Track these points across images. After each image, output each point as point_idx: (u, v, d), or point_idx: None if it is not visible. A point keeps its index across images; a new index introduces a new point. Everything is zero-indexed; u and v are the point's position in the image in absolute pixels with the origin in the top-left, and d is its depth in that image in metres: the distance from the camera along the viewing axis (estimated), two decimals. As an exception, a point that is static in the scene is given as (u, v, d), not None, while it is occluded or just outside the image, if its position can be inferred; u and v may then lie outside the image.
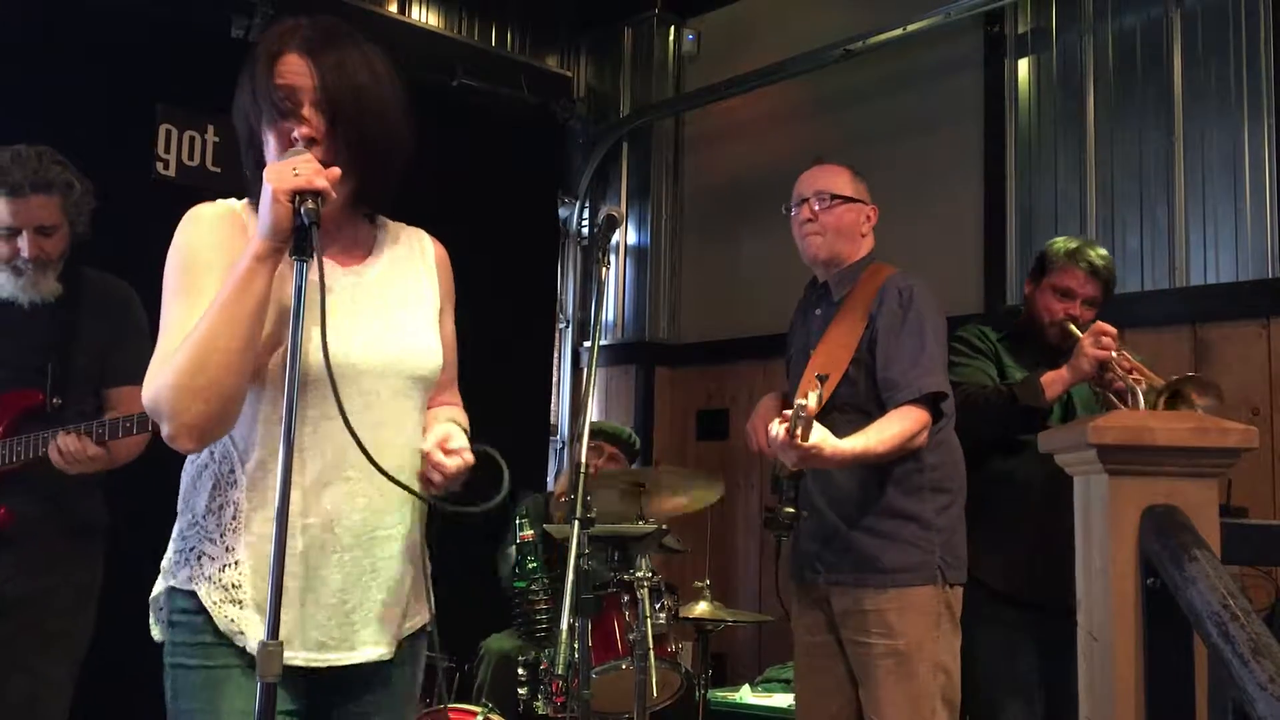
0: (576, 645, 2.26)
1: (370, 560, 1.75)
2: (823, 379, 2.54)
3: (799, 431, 2.45)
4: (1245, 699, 1.12)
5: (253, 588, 1.68)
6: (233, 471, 1.72)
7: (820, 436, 2.51)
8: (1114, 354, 2.97)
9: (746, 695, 4.28)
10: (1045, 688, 3.08)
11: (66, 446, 2.66)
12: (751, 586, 5.22)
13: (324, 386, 1.59)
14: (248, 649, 1.66)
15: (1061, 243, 3.25)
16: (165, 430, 1.64)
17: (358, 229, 1.86)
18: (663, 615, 3.38)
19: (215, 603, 1.69)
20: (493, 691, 3.70)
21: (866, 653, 2.71)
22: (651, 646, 3.10)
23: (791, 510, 2.73)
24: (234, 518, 1.71)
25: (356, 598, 1.74)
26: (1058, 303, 3.18)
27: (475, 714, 3.36)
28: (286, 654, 1.62)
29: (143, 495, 1.94)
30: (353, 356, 1.71)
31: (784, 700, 4.07)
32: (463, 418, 1.95)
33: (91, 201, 2.93)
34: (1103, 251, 3.24)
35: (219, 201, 1.81)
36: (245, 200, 1.81)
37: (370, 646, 1.77)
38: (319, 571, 1.70)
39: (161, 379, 1.63)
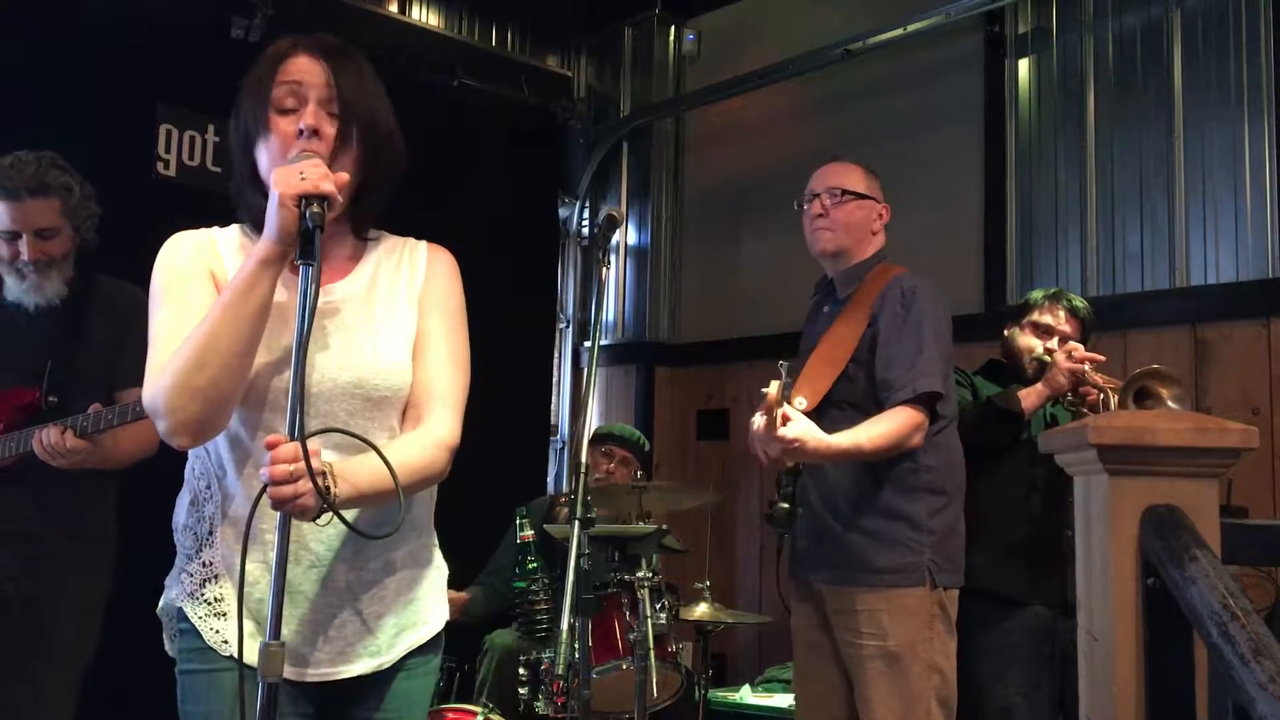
0: (577, 645, 2.27)
1: (357, 574, 1.73)
2: (790, 370, 2.53)
3: (777, 421, 2.44)
4: (1245, 699, 1.11)
5: (234, 600, 1.67)
6: (209, 487, 1.74)
7: (801, 430, 2.50)
8: (1087, 366, 3.08)
9: (747, 695, 4.27)
10: (1046, 688, 3.09)
11: (47, 439, 2.67)
12: (752, 587, 5.21)
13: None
14: (234, 657, 1.63)
15: (1042, 290, 3.44)
16: (161, 427, 1.65)
17: (345, 246, 1.82)
18: (663, 615, 3.38)
19: (200, 617, 1.71)
20: (495, 686, 3.69)
21: (858, 653, 2.70)
22: (652, 646, 3.10)
23: (786, 506, 2.73)
24: (210, 533, 1.73)
25: (345, 613, 1.72)
26: (1036, 339, 3.30)
27: (475, 714, 3.36)
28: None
29: (154, 505, 1.94)
30: (308, 379, 1.67)
31: (784, 700, 4.06)
32: (413, 450, 1.71)
33: (94, 206, 2.96)
34: (1082, 299, 3.40)
35: (199, 230, 1.81)
36: (232, 226, 1.81)
37: (367, 659, 1.75)
38: (300, 588, 1.70)
39: (161, 380, 1.63)
